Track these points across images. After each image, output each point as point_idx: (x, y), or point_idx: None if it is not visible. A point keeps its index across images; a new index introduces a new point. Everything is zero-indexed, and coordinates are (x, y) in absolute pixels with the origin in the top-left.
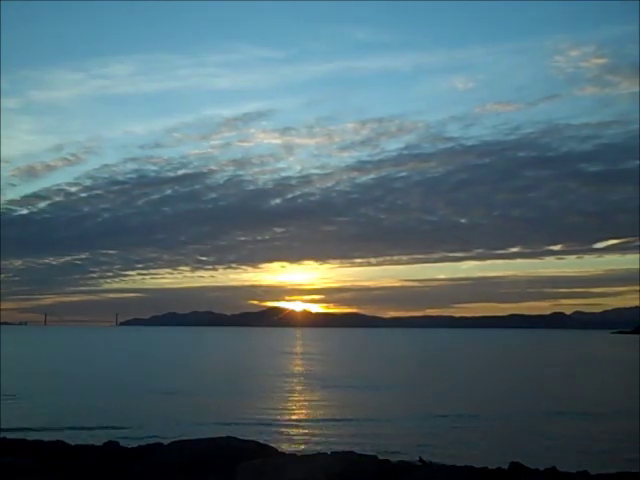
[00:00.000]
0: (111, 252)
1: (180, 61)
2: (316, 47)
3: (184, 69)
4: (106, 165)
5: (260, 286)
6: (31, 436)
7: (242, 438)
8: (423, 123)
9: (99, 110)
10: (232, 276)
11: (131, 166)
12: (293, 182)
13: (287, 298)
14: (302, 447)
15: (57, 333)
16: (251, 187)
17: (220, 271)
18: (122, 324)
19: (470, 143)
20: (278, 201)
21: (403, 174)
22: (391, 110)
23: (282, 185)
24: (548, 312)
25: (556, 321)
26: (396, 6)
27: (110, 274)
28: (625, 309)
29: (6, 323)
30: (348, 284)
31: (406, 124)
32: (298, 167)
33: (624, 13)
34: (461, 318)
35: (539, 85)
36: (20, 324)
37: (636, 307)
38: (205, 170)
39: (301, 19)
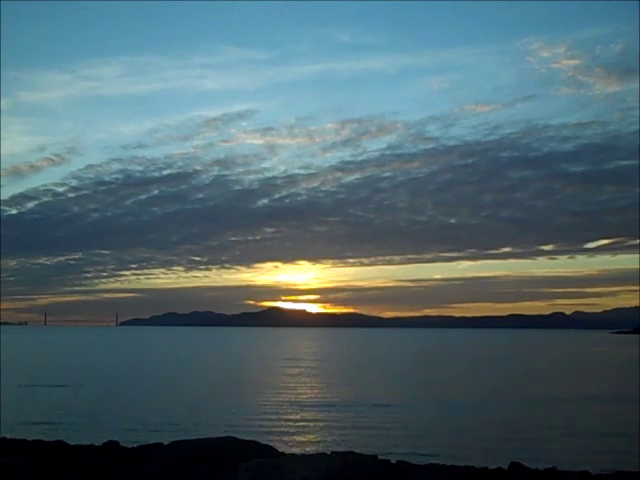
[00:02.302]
0: (104, 252)
1: (167, 63)
2: (300, 49)
3: (171, 71)
4: (91, 165)
5: (256, 286)
6: (31, 436)
7: (242, 438)
8: (402, 123)
9: (85, 111)
10: (226, 276)
11: (116, 166)
12: (279, 182)
13: (283, 298)
14: (302, 447)
15: (58, 333)
16: (237, 187)
17: (214, 271)
18: (122, 324)
19: (451, 143)
20: (265, 201)
21: (388, 174)
22: (370, 110)
23: (268, 185)
24: (548, 312)
25: (556, 321)
26: (378, 8)
27: (105, 274)
28: (625, 309)
29: (6, 323)
30: (343, 284)
31: (385, 124)
32: (282, 167)
33: (597, 15)
34: (461, 318)
35: (515, 86)
36: (20, 324)
37: (636, 307)
38: (190, 170)
39: (286, 21)
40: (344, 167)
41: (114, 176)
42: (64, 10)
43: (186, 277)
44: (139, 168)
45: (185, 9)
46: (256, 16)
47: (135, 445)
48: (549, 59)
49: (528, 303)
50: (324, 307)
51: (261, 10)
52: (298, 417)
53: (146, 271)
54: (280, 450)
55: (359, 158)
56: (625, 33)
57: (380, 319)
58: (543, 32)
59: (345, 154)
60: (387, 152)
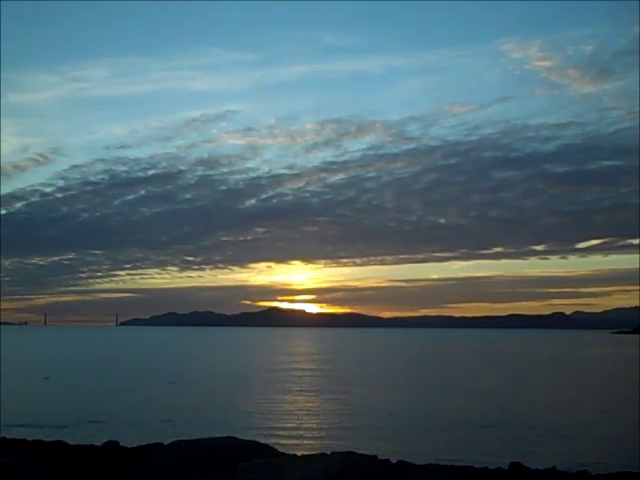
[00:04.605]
0: (97, 252)
1: (155, 64)
2: (287, 51)
3: (158, 72)
4: (75, 166)
5: (251, 286)
6: (31, 436)
7: (242, 438)
8: (381, 124)
9: (72, 112)
10: (222, 276)
11: (100, 167)
12: (264, 182)
13: (279, 298)
14: (302, 447)
15: (59, 333)
16: (223, 187)
17: (208, 271)
18: (122, 324)
19: (433, 143)
20: (253, 201)
21: (372, 174)
22: (349, 111)
23: (253, 185)
24: (547, 312)
25: (556, 321)
26: (361, 10)
27: (100, 274)
28: (625, 309)
29: (6, 323)
30: (338, 284)
31: (365, 124)
32: (266, 167)
33: (570, 17)
34: (461, 318)
35: (492, 87)
36: (20, 324)
37: (636, 307)
38: (174, 170)
39: (272, 23)
40: (328, 167)
41: (100, 176)
42: (54, 13)
43: (180, 277)
44: (124, 168)
45: (173, 12)
46: (243, 18)
47: (135, 445)
48: (522, 60)
49: (524, 303)
50: (321, 307)
51: (248, 12)
52: (298, 417)
53: (140, 271)
54: (280, 450)
55: (341, 158)
56: (597, 35)
57: (380, 319)
58: (518, 33)
59: (327, 154)
60: (369, 152)
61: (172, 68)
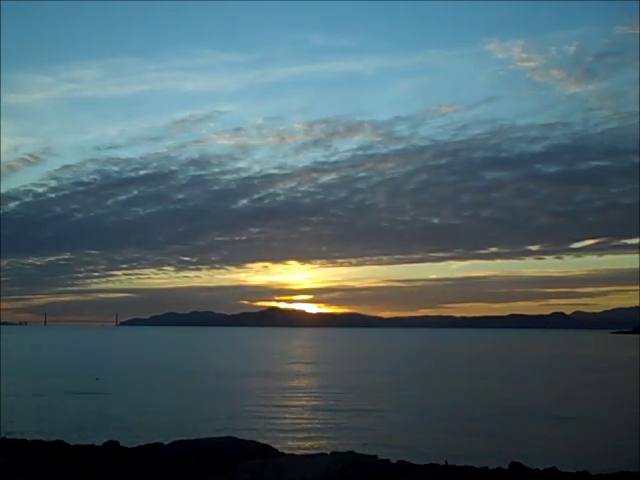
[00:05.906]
0: (93, 252)
1: (147, 65)
2: (278, 52)
3: (150, 73)
4: (67, 166)
5: (249, 286)
6: (31, 436)
7: (242, 438)
8: (369, 124)
9: (65, 113)
10: (219, 276)
11: (92, 167)
12: (255, 182)
13: (277, 298)
14: (302, 447)
15: (59, 334)
16: (215, 187)
17: (204, 271)
18: (122, 324)
19: (422, 144)
20: (245, 201)
21: (363, 174)
22: (337, 111)
23: (245, 185)
24: (548, 312)
25: (556, 321)
26: (350, 12)
27: (97, 274)
28: (625, 309)
29: (6, 323)
30: (335, 284)
31: (353, 124)
32: (257, 167)
33: (559, 18)
34: (461, 318)
35: (478, 87)
36: (20, 324)
37: (636, 307)
38: (166, 171)
39: (264, 24)
40: (318, 167)
41: (91, 176)
42: (47, 14)
43: (178, 277)
44: (115, 168)
45: (166, 13)
46: (235, 20)
47: (135, 445)
48: (506, 61)
49: (521, 303)
50: (319, 307)
51: (239, 14)
52: (298, 417)
53: (137, 271)
54: (280, 450)
55: (331, 158)
56: (580, 36)
57: (379, 319)
58: (500, 34)
59: (317, 154)
60: (359, 152)
61: (164, 69)
